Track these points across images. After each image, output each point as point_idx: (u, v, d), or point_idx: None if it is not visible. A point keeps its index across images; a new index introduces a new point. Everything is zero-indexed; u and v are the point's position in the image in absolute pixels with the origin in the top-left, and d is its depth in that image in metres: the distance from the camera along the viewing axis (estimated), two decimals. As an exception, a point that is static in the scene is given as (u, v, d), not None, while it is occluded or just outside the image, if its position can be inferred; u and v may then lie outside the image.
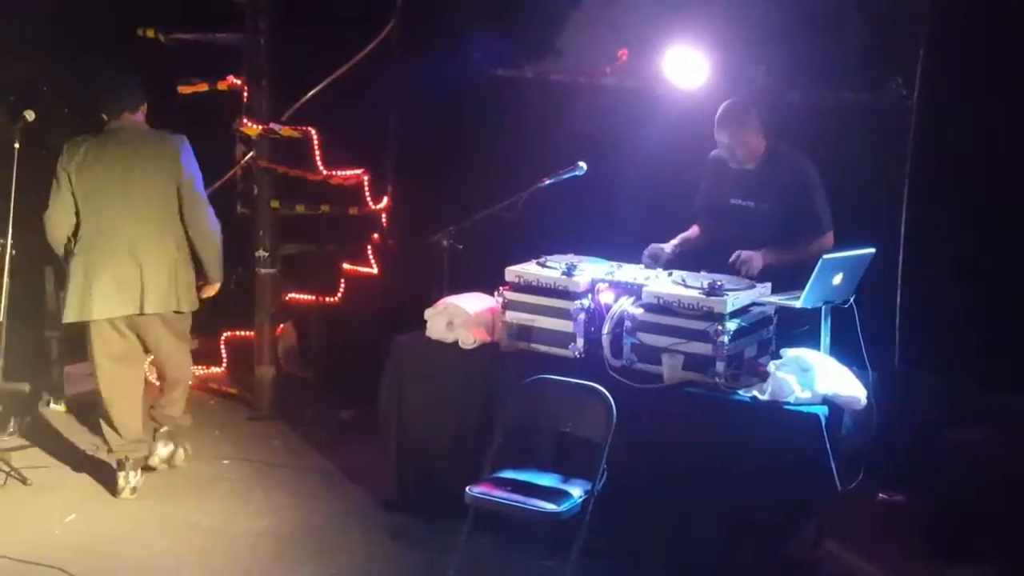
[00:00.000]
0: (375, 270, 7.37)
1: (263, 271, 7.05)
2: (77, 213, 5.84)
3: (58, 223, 5.85)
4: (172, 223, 5.91)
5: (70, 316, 5.86)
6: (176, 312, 5.97)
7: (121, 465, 5.91)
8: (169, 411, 6.17)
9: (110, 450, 5.98)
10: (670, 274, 5.47)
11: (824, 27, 6.10)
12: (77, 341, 6.74)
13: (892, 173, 6.00)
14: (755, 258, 5.50)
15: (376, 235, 7.35)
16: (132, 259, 5.80)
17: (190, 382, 6.39)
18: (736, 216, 5.76)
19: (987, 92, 5.73)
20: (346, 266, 7.44)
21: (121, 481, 5.90)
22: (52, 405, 7.03)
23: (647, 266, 5.68)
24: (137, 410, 6.04)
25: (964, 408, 5.68)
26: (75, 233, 5.86)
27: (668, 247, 5.83)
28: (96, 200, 5.82)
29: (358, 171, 7.15)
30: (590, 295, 5.34)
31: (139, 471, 5.95)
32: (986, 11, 5.68)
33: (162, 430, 6.15)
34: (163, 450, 6.15)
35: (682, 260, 5.75)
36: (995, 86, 5.70)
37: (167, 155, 5.89)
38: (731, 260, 5.52)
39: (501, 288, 5.51)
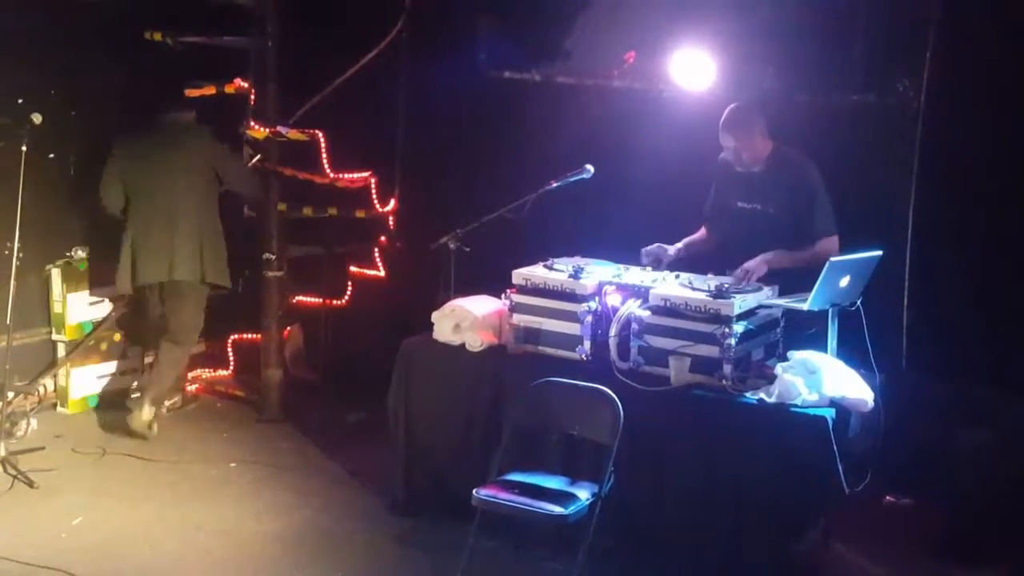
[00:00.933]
0: (382, 273, 7.36)
1: (270, 274, 7.04)
2: (126, 190, 6.60)
3: (109, 196, 6.64)
4: (207, 202, 6.68)
5: (119, 288, 6.70)
6: (202, 283, 6.68)
7: (142, 398, 6.60)
8: (153, 388, 6.70)
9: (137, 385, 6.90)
10: (677, 276, 5.47)
11: (832, 29, 6.10)
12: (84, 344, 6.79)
13: (899, 175, 5.99)
14: (759, 268, 5.43)
15: (383, 238, 7.34)
16: (167, 232, 6.56)
17: (185, 363, 7.00)
18: (742, 219, 5.74)
19: (994, 94, 5.72)
20: (353, 269, 7.43)
21: (136, 409, 6.56)
22: (60, 408, 7.03)
23: (647, 266, 5.67)
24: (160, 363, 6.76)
25: (971, 411, 5.66)
26: (125, 210, 6.63)
27: (672, 249, 5.81)
28: (140, 181, 6.59)
29: (365, 174, 7.14)
30: (597, 298, 5.33)
31: (153, 408, 6.59)
32: (993, 14, 5.68)
33: (145, 394, 6.65)
34: (147, 412, 6.58)
35: (689, 263, 5.75)
36: (1002, 89, 5.69)
37: (204, 141, 6.68)
38: (735, 274, 5.43)
39: (508, 291, 5.51)
